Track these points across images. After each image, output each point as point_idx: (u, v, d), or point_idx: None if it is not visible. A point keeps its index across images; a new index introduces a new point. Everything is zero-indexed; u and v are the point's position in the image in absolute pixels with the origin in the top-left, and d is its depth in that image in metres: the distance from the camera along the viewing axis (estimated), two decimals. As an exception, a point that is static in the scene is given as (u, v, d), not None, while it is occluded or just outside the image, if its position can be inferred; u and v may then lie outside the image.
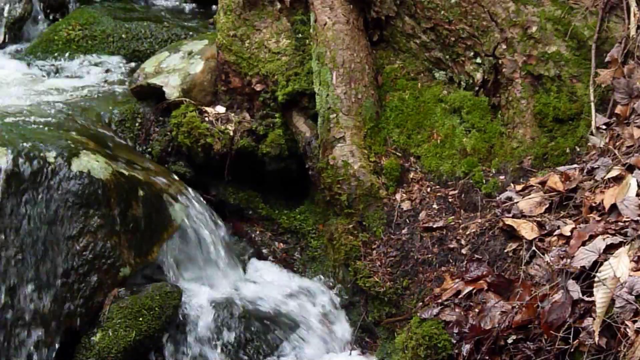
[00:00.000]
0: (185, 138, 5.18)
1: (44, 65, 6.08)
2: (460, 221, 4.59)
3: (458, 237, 4.53)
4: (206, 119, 5.23)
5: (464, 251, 4.48)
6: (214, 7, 6.80)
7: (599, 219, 4.09)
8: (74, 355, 4.46)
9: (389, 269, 4.64)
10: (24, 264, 4.39)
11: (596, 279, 3.79)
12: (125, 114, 5.36)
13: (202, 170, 5.28)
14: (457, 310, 4.20)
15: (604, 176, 4.21)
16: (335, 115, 4.88)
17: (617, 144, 4.37)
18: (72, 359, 4.47)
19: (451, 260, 4.51)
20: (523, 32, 4.73)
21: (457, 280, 4.35)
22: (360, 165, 4.80)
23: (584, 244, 3.99)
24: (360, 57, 4.98)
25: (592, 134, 4.52)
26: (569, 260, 3.97)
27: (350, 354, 4.76)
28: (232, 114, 5.29)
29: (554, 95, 4.68)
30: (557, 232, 4.17)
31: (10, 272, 4.37)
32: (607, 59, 4.57)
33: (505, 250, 4.33)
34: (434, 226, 4.62)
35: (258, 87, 5.25)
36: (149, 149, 5.31)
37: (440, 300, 4.29)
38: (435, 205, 4.73)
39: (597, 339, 3.71)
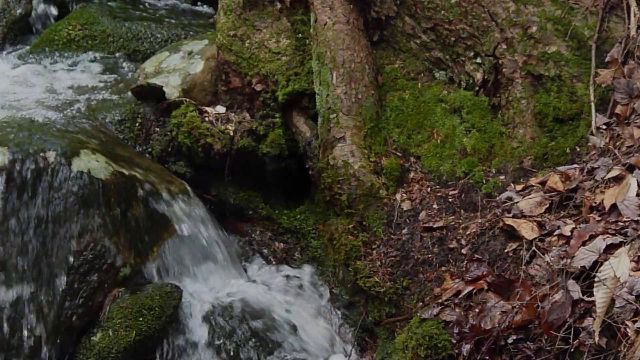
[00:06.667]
0: (185, 138, 5.18)
1: (44, 65, 6.08)
2: (460, 221, 4.59)
3: (458, 237, 4.53)
4: (206, 119, 5.23)
5: (464, 251, 4.48)
6: (207, 6, 6.85)
7: (599, 219, 4.09)
8: (74, 355, 4.46)
9: (389, 269, 4.64)
10: (24, 263, 4.39)
11: (596, 279, 3.79)
12: (125, 114, 5.37)
13: (202, 170, 5.28)
14: (457, 310, 4.20)
15: (604, 176, 4.21)
16: (335, 115, 4.88)
17: (617, 144, 4.37)
18: (72, 359, 4.47)
19: (451, 260, 4.51)
20: (523, 32, 4.73)
21: (457, 280, 4.35)
22: (361, 165, 4.80)
23: (584, 244, 3.99)
24: (361, 57, 4.98)
25: (592, 134, 4.52)
26: (569, 260, 3.97)
27: (351, 354, 4.76)
28: (232, 114, 5.29)
29: (554, 95, 4.68)
30: (557, 232, 4.17)
31: (11, 272, 4.37)
32: (607, 59, 4.57)
33: (505, 250, 4.33)
34: (434, 226, 4.62)
35: (258, 87, 5.25)
36: (149, 149, 5.31)
37: (440, 300, 4.29)
38: (435, 205, 4.73)
39: (597, 339, 3.71)
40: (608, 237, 3.94)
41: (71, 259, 4.44)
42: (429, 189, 4.80)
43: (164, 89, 5.33)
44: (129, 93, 5.54)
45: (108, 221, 4.52)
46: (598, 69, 4.57)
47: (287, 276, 5.07)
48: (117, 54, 6.15)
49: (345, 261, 4.79)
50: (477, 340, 4.08)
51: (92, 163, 4.58)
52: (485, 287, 4.21)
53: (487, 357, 4.05)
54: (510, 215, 4.37)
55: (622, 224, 3.99)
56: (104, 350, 4.40)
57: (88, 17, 6.35)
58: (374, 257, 4.70)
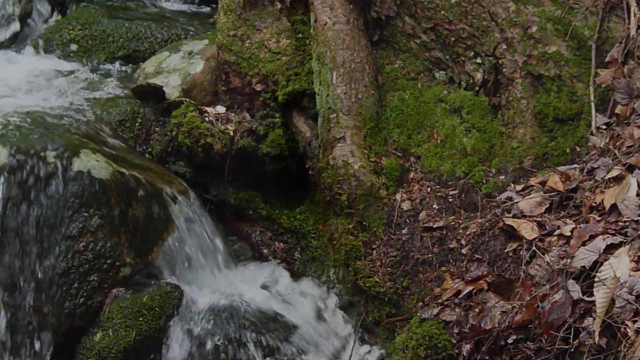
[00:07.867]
0: (185, 138, 5.18)
1: (43, 65, 6.08)
2: (460, 221, 4.59)
3: (458, 237, 4.53)
4: (206, 119, 5.23)
5: (464, 251, 4.48)
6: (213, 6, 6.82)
7: (599, 219, 4.09)
8: (74, 355, 4.46)
9: (389, 269, 4.64)
10: (24, 263, 4.39)
11: (596, 279, 3.79)
12: (125, 114, 5.36)
13: (202, 170, 5.28)
14: (457, 310, 4.20)
15: (604, 176, 4.21)
16: (335, 115, 4.88)
17: (617, 144, 4.37)
18: (72, 359, 4.47)
19: (451, 260, 4.51)
20: (523, 32, 4.73)
21: (457, 280, 4.35)
22: (361, 165, 4.80)
23: (584, 244, 3.99)
24: (361, 57, 4.98)
25: (592, 134, 4.52)
26: (569, 260, 3.97)
27: (351, 354, 4.76)
28: (232, 114, 5.29)
29: (554, 95, 4.68)
30: (557, 232, 4.17)
31: (11, 272, 4.37)
32: (607, 59, 4.57)
33: (506, 250, 4.33)
34: (434, 226, 4.62)
35: (258, 87, 5.25)
36: (149, 149, 5.31)
37: (440, 300, 4.29)
38: (435, 205, 4.73)
39: (597, 339, 3.71)
40: (608, 237, 3.94)
41: (71, 259, 4.44)
42: (429, 189, 4.80)
43: (164, 89, 5.33)
44: (129, 93, 5.53)
45: (108, 221, 4.52)
46: (598, 69, 4.58)
47: (287, 276, 5.06)
48: (116, 54, 6.15)
49: (345, 261, 4.79)
50: (477, 340, 4.08)
51: (92, 163, 4.59)
52: (485, 287, 4.21)
53: (487, 357, 4.05)
54: (510, 215, 4.37)
55: (622, 224, 4.00)
56: (104, 350, 4.41)
57: (88, 17, 6.34)
58: (374, 257, 4.70)
